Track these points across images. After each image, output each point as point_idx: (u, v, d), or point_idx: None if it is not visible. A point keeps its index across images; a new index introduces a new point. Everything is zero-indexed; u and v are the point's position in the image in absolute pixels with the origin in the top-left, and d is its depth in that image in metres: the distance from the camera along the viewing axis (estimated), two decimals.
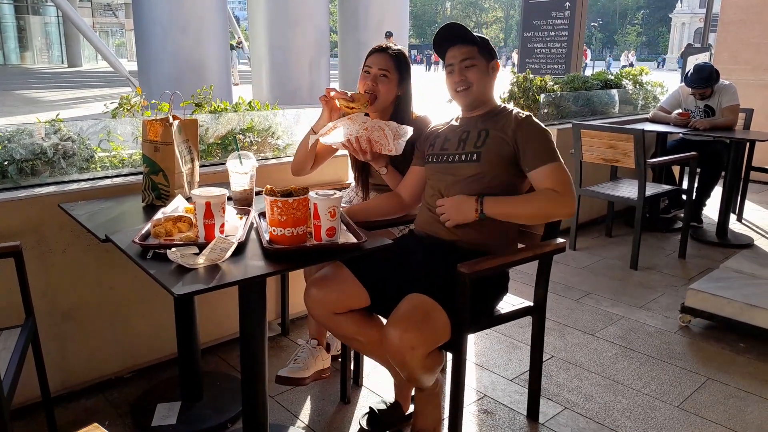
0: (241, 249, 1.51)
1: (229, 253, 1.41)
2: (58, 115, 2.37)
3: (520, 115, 1.92)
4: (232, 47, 16.91)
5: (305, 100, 13.74)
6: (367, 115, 2.12)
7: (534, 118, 1.92)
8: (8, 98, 15.02)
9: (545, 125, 1.93)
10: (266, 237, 1.54)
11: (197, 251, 1.43)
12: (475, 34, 1.91)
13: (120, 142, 2.44)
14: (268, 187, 1.53)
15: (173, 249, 1.42)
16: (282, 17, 13.59)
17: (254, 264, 1.45)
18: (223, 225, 1.54)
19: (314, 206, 1.54)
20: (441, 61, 2.03)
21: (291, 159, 2.72)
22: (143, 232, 1.54)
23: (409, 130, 2.04)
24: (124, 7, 29.12)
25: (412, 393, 2.08)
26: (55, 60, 27.45)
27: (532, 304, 2.00)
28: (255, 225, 1.68)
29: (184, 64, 11.09)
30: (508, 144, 1.86)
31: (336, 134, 2.02)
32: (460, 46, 1.91)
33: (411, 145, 2.07)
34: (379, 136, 2.00)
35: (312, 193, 1.56)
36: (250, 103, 2.84)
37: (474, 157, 1.89)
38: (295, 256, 1.52)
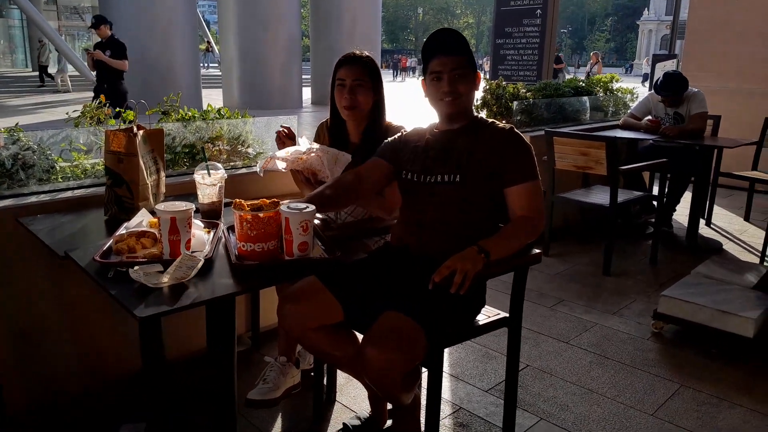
0: (208, 265, 1.46)
1: (196, 270, 1.36)
2: (17, 124, 2.28)
3: (504, 127, 1.88)
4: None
5: (277, 104, 13.67)
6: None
7: (516, 130, 1.89)
8: None
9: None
10: (235, 252, 1.49)
11: (161, 269, 1.37)
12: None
13: (83, 151, 2.35)
14: (237, 200, 1.48)
15: (136, 267, 1.35)
16: (253, 21, 13.48)
17: (222, 282, 1.40)
18: (189, 241, 1.48)
19: (285, 220, 1.49)
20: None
21: None
22: (105, 248, 1.47)
23: (348, 158, 2.04)
24: (91, 10, 28.49)
25: (389, 406, 2.04)
26: (19, 64, 26.81)
27: (507, 315, 1.98)
28: (223, 240, 1.63)
29: (152, 68, 10.90)
30: (490, 158, 1.82)
31: (278, 163, 2.02)
32: (452, 55, 1.85)
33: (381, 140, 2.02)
34: (318, 165, 2.02)
35: (283, 207, 1.51)
36: (219, 110, 2.77)
37: (457, 179, 1.82)
38: (266, 272, 1.47)
